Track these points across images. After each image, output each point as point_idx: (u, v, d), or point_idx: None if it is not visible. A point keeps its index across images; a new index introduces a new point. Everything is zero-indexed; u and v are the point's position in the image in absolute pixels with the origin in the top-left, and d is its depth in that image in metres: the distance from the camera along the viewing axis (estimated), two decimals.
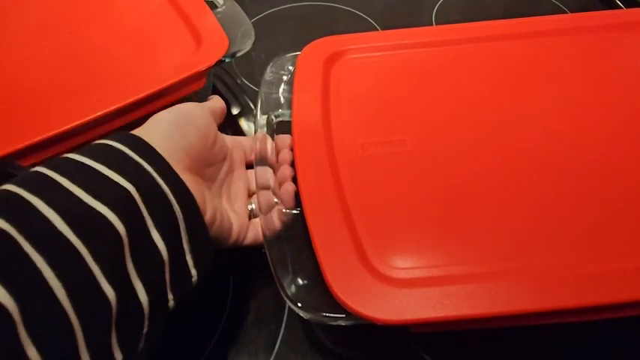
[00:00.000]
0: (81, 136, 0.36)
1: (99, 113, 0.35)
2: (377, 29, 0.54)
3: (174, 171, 0.27)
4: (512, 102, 0.36)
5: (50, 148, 0.35)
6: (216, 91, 0.48)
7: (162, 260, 0.25)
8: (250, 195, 0.35)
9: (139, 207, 0.24)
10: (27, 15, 0.44)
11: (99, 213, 0.23)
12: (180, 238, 0.26)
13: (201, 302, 0.34)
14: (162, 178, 0.26)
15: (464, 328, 0.29)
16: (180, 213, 0.26)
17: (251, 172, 0.36)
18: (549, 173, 0.32)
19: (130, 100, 0.36)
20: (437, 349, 0.32)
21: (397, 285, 0.27)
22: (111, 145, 0.26)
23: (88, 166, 0.25)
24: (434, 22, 0.55)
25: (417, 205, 0.31)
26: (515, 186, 0.31)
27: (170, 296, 0.26)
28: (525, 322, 0.28)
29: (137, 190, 0.24)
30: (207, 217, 0.29)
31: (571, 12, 0.55)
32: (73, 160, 0.25)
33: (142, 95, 0.36)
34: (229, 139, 0.36)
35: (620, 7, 0.56)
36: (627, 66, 0.39)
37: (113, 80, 0.38)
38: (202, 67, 0.38)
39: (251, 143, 0.37)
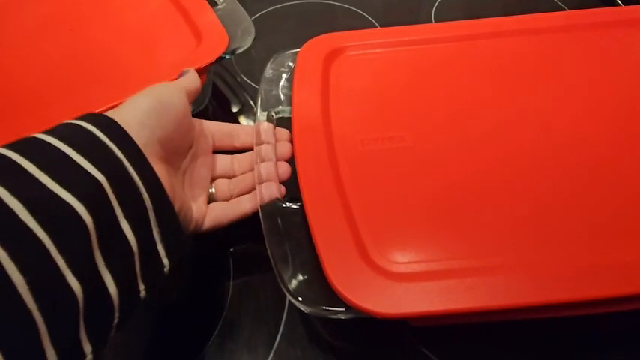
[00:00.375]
0: None
1: (100, 109, 0.35)
2: (376, 27, 0.54)
3: (147, 161, 0.27)
4: (511, 99, 0.37)
5: None
6: (216, 89, 0.48)
7: (132, 251, 0.25)
8: (212, 180, 0.35)
9: (108, 197, 0.24)
10: (28, 12, 0.44)
11: (66, 203, 0.22)
12: (151, 229, 0.26)
13: (201, 296, 0.34)
14: (134, 168, 0.26)
15: (463, 322, 0.30)
16: (150, 203, 0.26)
17: (220, 157, 0.36)
18: (547, 169, 0.32)
19: (131, 96, 0.36)
20: (436, 343, 0.32)
21: (396, 279, 0.27)
22: (84, 128, 0.25)
23: (58, 149, 0.24)
24: (433, 20, 0.55)
25: (416, 200, 0.31)
26: (514, 181, 0.32)
27: (141, 286, 0.25)
28: (523, 315, 0.28)
29: (108, 180, 0.24)
30: (176, 207, 0.29)
31: (570, 9, 0.56)
32: (42, 141, 0.24)
33: None
34: (198, 124, 0.35)
35: (619, 5, 0.56)
36: (626, 63, 0.39)
37: (114, 77, 0.39)
38: (202, 63, 0.38)
39: (229, 129, 0.37)
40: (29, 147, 0.24)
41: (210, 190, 0.34)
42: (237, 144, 0.37)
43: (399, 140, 0.34)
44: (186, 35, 0.41)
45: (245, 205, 0.34)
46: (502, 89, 0.37)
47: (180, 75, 0.35)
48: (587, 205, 0.30)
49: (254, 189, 0.34)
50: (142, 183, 0.26)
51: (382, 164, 0.33)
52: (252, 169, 0.35)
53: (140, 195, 0.26)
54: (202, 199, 0.33)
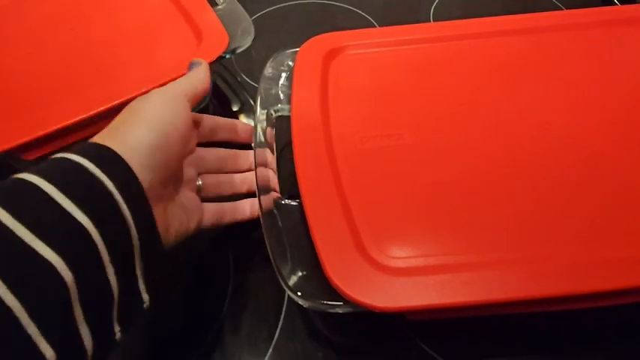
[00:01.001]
0: (83, 131, 0.37)
1: (101, 108, 0.36)
2: (375, 26, 0.54)
3: (147, 203, 0.24)
4: (509, 97, 0.37)
5: (53, 142, 0.36)
6: (216, 88, 0.49)
7: (113, 297, 0.22)
8: (200, 173, 0.34)
9: (93, 244, 0.21)
10: (29, 11, 0.44)
11: (43, 260, 0.20)
12: (134, 267, 0.24)
13: (201, 292, 0.35)
14: (129, 207, 0.23)
15: (459, 316, 0.30)
16: (137, 240, 0.24)
17: (205, 150, 0.34)
18: (544, 166, 0.32)
19: (132, 95, 0.36)
20: (434, 337, 0.32)
21: (394, 273, 0.27)
22: (74, 162, 0.23)
23: (40, 191, 0.21)
24: (432, 19, 0.55)
25: (413, 196, 0.31)
26: (510, 178, 0.32)
27: (117, 328, 0.23)
28: (519, 309, 0.29)
29: (96, 222, 0.21)
30: (170, 229, 0.27)
31: (568, 8, 0.56)
32: (23, 183, 0.22)
33: (143, 91, 0.36)
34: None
35: (617, 4, 0.56)
36: (625, 62, 0.39)
37: (115, 76, 0.39)
38: None
39: (212, 123, 0.35)
40: (6, 191, 0.21)
41: (198, 183, 0.33)
42: (218, 138, 0.35)
43: (397, 138, 0.34)
44: (186, 35, 0.42)
45: (246, 211, 0.34)
46: (500, 88, 0.38)
47: (190, 68, 0.33)
48: (583, 202, 0.31)
49: (243, 191, 0.34)
50: (134, 222, 0.23)
51: (380, 161, 0.33)
52: (237, 169, 0.36)
53: (129, 234, 0.23)
54: (194, 197, 0.32)
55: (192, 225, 0.30)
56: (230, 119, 0.37)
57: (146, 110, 0.28)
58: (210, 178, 0.34)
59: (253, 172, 0.33)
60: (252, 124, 0.37)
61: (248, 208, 0.34)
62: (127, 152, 0.25)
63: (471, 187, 0.32)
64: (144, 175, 0.25)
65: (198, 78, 0.32)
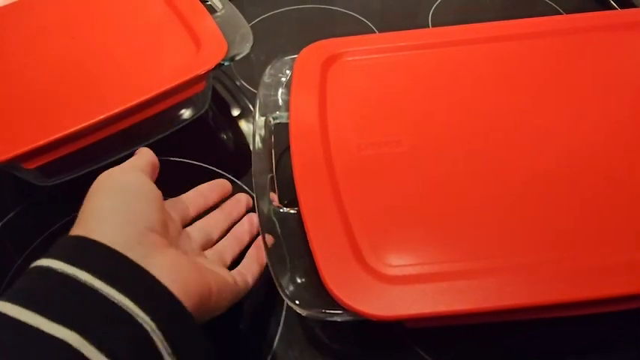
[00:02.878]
0: (83, 140, 0.37)
1: (101, 117, 0.36)
2: (374, 31, 0.54)
3: (151, 277, 0.22)
4: (508, 103, 0.37)
5: (53, 151, 0.36)
6: (215, 93, 0.49)
7: None
8: (204, 248, 0.32)
9: None
10: (29, 20, 0.45)
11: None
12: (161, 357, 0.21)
13: None
14: (141, 299, 0.20)
15: (456, 324, 0.30)
16: (158, 332, 0.20)
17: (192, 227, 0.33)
18: (541, 173, 0.33)
19: (132, 103, 0.37)
20: (431, 345, 0.32)
21: (391, 282, 0.27)
22: (54, 272, 0.20)
23: (16, 322, 0.18)
24: (430, 24, 0.55)
25: (410, 204, 0.31)
26: (507, 186, 0.32)
27: None
28: (515, 317, 0.29)
29: (85, 336, 0.18)
30: (213, 290, 0.26)
31: (566, 13, 0.56)
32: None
33: (143, 98, 0.37)
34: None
35: (615, 8, 0.56)
36: (623, 66, 0.39)
37: (115, 84, 0.39)
38: (202, 70, 0.39)
39: (176, 202, 0.33)
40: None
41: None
42: (192, 214, 0.34)
43: (395, 145, 0.35)
44: (186, 42, 0.42)
45: (262, 259, 0.33)
46: (499, 93, 0.38)
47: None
48: (580, 209, 0.31)
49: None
50: (151, 316, 0.20)
51: (378, 169, 0.33)
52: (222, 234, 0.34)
53: (142, 329, 0.20)
54: (219, 263, 0.31)
55: (239, 290, 0.29)
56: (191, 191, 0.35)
57: (99, 193, 0.26)
58: (216, 254, 0.32)
59: (242, 227, 0.34)
60: (252, 130, 0.37)
61: (262, 256, 0.33)
62: (96, 231, 0.23)
63: (466, 195, 0.32)
64: (123, 230, 0.23)
65: (141, 156, 0.31)
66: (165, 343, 0.20)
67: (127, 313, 0.20)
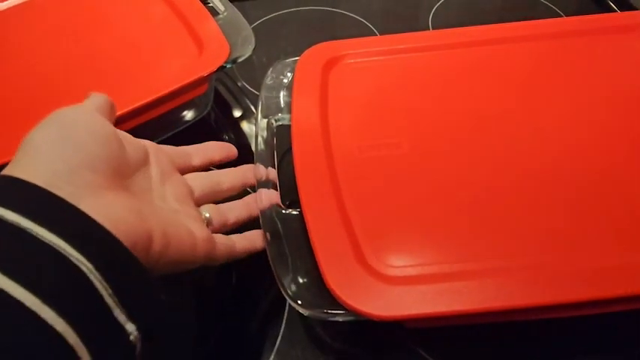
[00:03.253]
0: None
1: None
2: (375, 33, 0.55)
3: (75, 208, 0.20)
4: (507, 105, 0.37)
5: None
6: (218, 95, 0.49)
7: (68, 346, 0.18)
8: (198, 204, 0.31)
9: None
10: (32, 23, 0.45)
11: None
12: (101, 298, 0.19)
13: (202, 300, 0.35)
14: (55, 230, 0.19)
15: (456, 324, 0.30)
16: (89, 264, 0.19)
17: (190, 176, 0.32)
18: (541, 175, 0.33)
19: (134, 105, 0.37)
20: (432, 345, 0.33)
21: (392, 282, 0.28)
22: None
23: None
24: (430, 27, 0.56)
25: (411, 205, 0.32)
26: (507, 187, 0.32)
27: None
28: (516, 317, 0.29)
29: (15, 278, 0.17)
30: (155, 238, 0.24)
31: (567, 16, 0.56)
32: None
33: (145, 101, 0.37)
34: (145, 142, 0.31)
35: (615, 11, 0.57)
36: (623, 68, 0.39)
37: (117, 86, 0.39)
38: (204, 72, 0.39)
39: (182, 149, 0.33)
40: None
41: (204, 215, 0.31)
42: (195, 163, 0.34)
43: (396, 147, 0.35)
44: (188, 44, 0.42)
45: (258, 243, 0.32)
46: (498, 96, 0.38)
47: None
48: (580, 210, 0.31)
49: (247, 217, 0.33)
50: (76, 247, 0.19)
51: (379, 170, 0.34)
52: (233, 188, 0.34)
53: (71, 266, 0.18)
54: (200, 218, 0.30)
55: (200, 249, 0.28)
56: (199, 145, 0.35)
57: (41, 125, 0.25)
58: (214, 210, 0.32)
59: (253, 195, 0.33)
60: (254, 131, 0.37)
61: (259, 240, 0.32)
62: (25, 166, 0.22)
63: (467, 196, 0.32)
64: (53, 168, 0.22)
65: (93, 98, 0.29)
66: (104, 284, 0.19)
67: (60, 253, 0.19)
